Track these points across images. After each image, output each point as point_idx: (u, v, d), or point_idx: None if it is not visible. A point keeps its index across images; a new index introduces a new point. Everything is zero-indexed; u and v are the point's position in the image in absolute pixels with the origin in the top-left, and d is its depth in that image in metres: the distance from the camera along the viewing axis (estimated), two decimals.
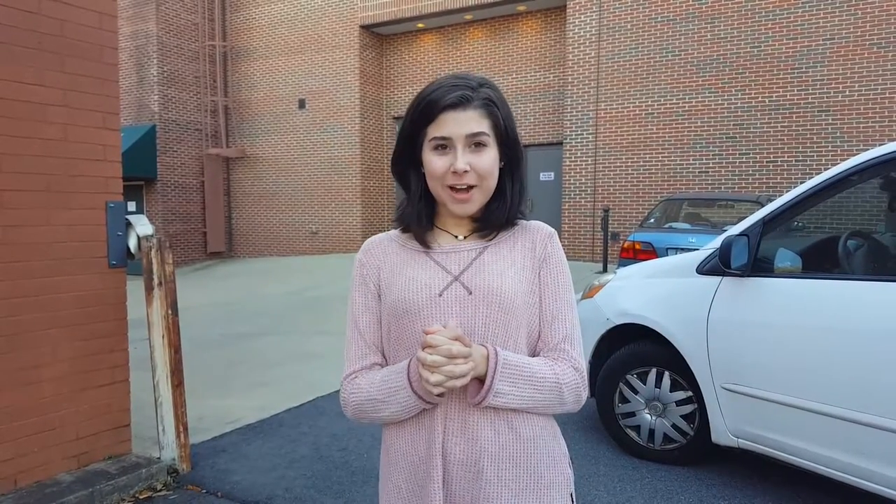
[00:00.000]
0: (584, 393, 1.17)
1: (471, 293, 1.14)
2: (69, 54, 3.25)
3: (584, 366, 1.17)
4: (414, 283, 1.16)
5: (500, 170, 1.18)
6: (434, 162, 1.14)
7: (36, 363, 3.16)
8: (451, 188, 1.14)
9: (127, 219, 3.52)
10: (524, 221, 1.24)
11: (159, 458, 3.56)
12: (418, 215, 1.21)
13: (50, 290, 3.21)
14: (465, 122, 1.12)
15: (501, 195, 1.19)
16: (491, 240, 1.21)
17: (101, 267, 3.43)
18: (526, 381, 1.10)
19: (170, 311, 3.48)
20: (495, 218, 1.19)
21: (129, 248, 3.53)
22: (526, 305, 1.16)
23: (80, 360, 3.34)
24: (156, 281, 3.49)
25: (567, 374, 1.13)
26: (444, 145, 1.13)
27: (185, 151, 14.92)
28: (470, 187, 1.14)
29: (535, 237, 1.22)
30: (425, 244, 1.21)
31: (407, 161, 1.21)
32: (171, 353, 3.49)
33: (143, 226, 3.56)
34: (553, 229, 1.25)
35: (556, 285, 1.19)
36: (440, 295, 1.14)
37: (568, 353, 1.16)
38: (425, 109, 1.14)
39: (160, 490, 3.39)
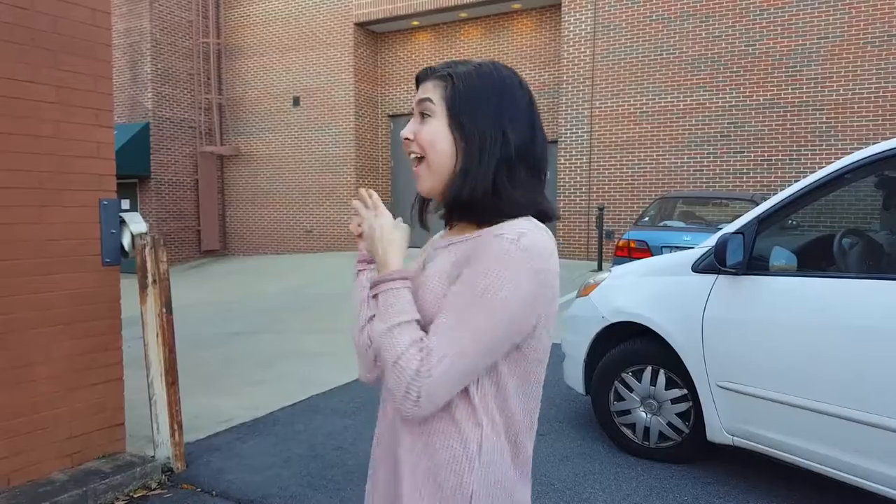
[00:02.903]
0: (407, 404, 0.97)
1: None
2: (62, 51, 3.22)
3: (429, 388, 0.96)
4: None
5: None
6: None
7: (29, 361, 3.14)
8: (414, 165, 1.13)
9: (121, 216, 3.51)
10: (512, 222, 1.04)
11: (153, 456, 3.55)
12: (414, 200, 1.20)
13: (43, 288, 3.19)
14: (419, 93, 1.11)
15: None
16: (458, 238, 1.10)
17: (94, 265, 3.41)
18: (385, 319, 1.02)
19: (164, 310, 3.47)
20: (448, 205, 1.11)
21: (122, 246, 3.51)
22: None
23: (74, 359, 3.32)
24: (150, 279, 3.47)
25: (409, 365, 0.96)
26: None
27: (178, 149, 14.87)
28: (419, 160, 1.10)
29: (483, 237, 1.03)
30: (426, 228, 1.22)
31: None
32: (166, 351, 3.48)
33: (136, 223, 3.54)
34: (511, 231, 1.00)
35: (456, 289, 1.00)
36: None
37: (427, 343, 0.98)
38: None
39: (154, 489, 3.37)
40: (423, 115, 1.09)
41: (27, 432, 3.14)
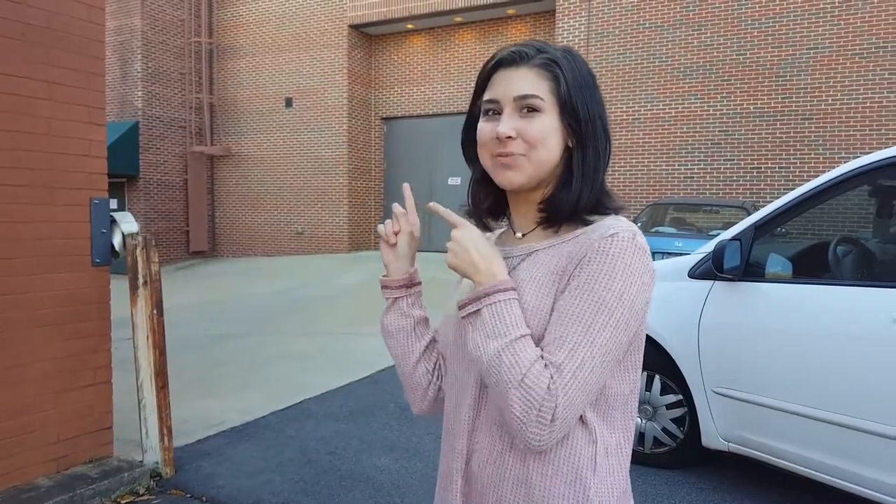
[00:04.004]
0: (537, 428, 0.87)
1: None
2: (55, 46, 3.17)
3: (563, 408, 0.87)
4: (458, 295, 1.05)
5: (571, 150, 1.00)
6: (482, 129, 1.00)
7: (15, 363, 3.08)
8: (499, 157, 0.99)
9: (112, 216, 3.46)
10: (602, 220, 0.99)
11: (142, 461, 3.49)
12: (473, 196, 1.09)
13: (31, 288, 3.13)
14: (515, 82, 0.97)
15: (569, 182, 0.99)
16: (550, 241, 1.01)
17: (84, 265, 3.35)
18: (500, 335, 0.91)
19: (155, 311, 3.42)
20: (561, 208, 0.99)
21: (113, 246, 3.46)
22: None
23: (62, 361, 3.26)
24: (141, 280, 3.42)
25: (539, 382, 0.87)
26: (494, 110, 0.99)
27: (168, 149, 14.75)
28: (519, 156, 0.98)
29: (591, 239, 0.94)
30: (487, 229, 1.11)
31: (472, 142, 1.07)
32: (156, 354, 3.43)
33: (128, 223, 3.49)
34: (622, 230, 0.93)
35: (575, 298, 0.91)
36: None
37: (553, 358, 0.89)
38: (481, 73, 1.02)
39: (143, 494, 3.32)
40: (527, 110, 0.97)
41: (12, 436, 3.07)
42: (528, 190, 1.02)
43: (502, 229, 1.14)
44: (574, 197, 0.98)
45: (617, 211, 1.01)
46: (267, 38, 14.90)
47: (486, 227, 1.11)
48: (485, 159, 1.02)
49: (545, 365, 0.89)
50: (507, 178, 0.99)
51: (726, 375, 3.14)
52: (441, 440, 1.14)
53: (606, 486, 0.96)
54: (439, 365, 1.16)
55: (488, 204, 1.09)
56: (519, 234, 1.06)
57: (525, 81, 0.97)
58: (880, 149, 2.87)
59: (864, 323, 2.68)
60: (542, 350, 0.91)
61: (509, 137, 0.96)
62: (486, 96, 1.00)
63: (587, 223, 1.00)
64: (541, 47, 0.99)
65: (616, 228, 0.94)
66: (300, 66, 14.51)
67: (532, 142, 0.96)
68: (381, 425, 4.29)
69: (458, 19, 13.32)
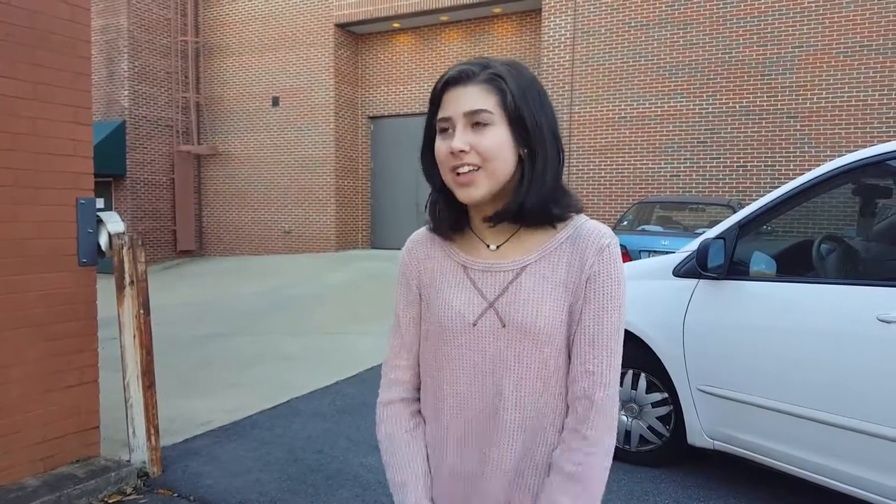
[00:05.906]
0: (607, 432, 1.07)
1: (504, 326, 1.07)
2: (40, 46, 3.15)
3: (607, 399, 1.06)
4: (450, 308, 1.11)
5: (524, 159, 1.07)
6: (438, 147, 1.07)
7: (1, 363, 3.06)
8: (456, 173, 1.05)
9: (98, 216, 3.44)
10: (582, 226, 1.10)
11: (129, 461, 3.48)
12: (435, 208, 1.14)
13: (17, 288, 3.11)
14: (463, 99, 1.03)
15: (520, 185, 1.07)
16: (536, 253, 1.10)
17: (70, 265, 3.34)
18: None
19: (142, 311, 3.40)
20: (507, 211, 1.07)
21: (99, 246, 3.44)
22: (567, 335, 1.09)
23: (48, 361, 3.24)
24: (127, 280, 3.41)
25: (590, 456, 1.05)
26: (446, 128, 1.05)
27: (155, 148, 14.65)
28: (474, 169, 1.04)
29: (586, 252, 1.06)
30: (451, 240, 1.16)
31: (430, 156, 1.13)
32: (143, 353, 3.42)
33: (114, 223, 3.48)
34: (610, 239, 1.07)
35: (600, 308, 1.05)
36: (474, 324, 1.09)
37: (590, 400, 1.06)
38: (433, 94, 1.08)
39: (130, 494, 3.31)
40: (478, 125, 1.03)
41: None
42: (489, 203, 1.08)
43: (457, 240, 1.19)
44: (518, 201, 1.06)
45: (579, 210, 1.11)
46: (253, 36, 14.83)
47: (449, 240, 1.17)
48: (445, 176, 1.07)
49: (569, 431, 1.07)
50: (467, 194, 1.05)
51: (711, 373, 3.17)
52: (436, 454, 1.18)
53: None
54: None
55: (450, 217, 1.15)
56: (493, 247, 1.13)
57: (473, 97, 1.03)
58: (864, 147, 2.90)
59: (848, 321, 2.71)
60: (577, 361, 1.07)
61: (462, 151, 1.02)
62: (439, 115, 1.07)
63: (554, 224, 1.10)
64: (486, 63, 1.06)
65: (606, 236, 1.07)
66: (287, 65, 14.46)
67: (485, 154, 1.03)
68: (369, 424, 4.29)
69: (444, 18, 13.32)
